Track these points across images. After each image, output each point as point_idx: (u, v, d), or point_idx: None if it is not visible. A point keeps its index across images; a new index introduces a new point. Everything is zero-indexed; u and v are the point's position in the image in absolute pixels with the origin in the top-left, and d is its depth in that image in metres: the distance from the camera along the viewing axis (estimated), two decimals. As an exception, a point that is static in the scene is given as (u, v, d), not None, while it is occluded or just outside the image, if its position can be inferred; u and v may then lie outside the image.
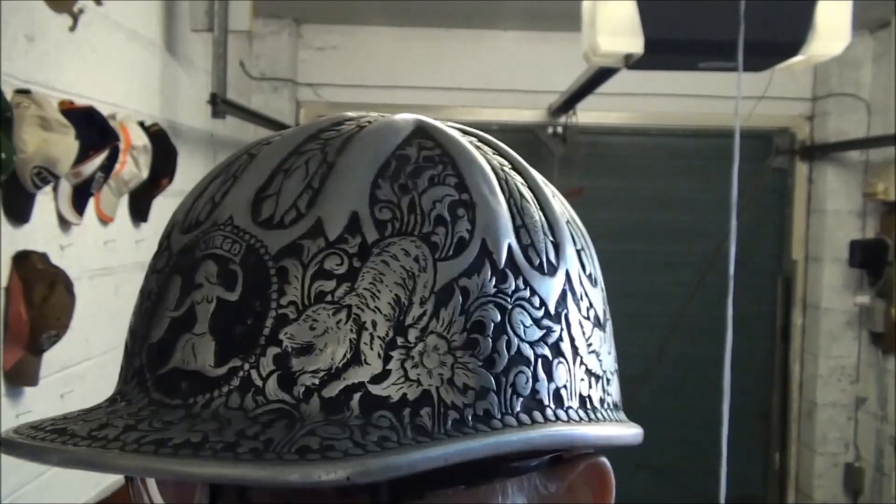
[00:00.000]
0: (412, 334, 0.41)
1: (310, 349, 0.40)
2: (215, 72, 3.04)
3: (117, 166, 2.38)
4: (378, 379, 0.40)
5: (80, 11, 2.22)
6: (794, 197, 4.48)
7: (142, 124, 2.64)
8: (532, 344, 0.44)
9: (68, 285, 2.05)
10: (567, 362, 0.46)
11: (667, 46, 2.38)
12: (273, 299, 0.41)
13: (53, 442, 0.40)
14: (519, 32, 4.32)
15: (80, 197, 2.23)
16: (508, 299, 0.44)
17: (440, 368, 0.41)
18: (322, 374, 0.40)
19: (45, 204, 2.12)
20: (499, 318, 0.43)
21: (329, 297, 0.41)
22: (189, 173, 3.14)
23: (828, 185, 4.32)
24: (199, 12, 3.03)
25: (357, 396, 0.40)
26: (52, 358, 2.09)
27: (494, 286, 0.43)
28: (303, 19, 4.28)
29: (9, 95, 1.89)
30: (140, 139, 2.55)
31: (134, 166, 2.51)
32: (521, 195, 0.47)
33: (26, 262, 1.98)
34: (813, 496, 4.37)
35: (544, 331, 0.45)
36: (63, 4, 2.14)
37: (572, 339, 0.46)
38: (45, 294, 1.97)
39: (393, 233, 0.43)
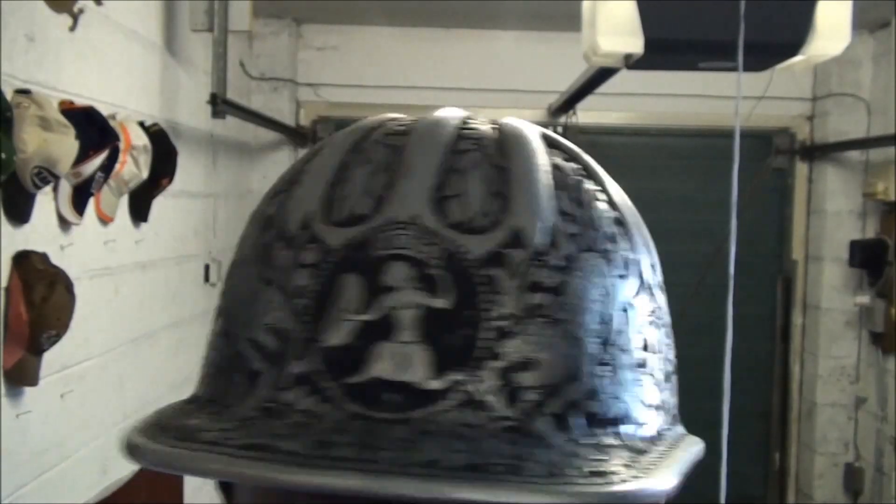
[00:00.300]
0: (611, 351, 0.42)
1: (530, 364, 0.40)
2: (215, 72, 3.04)
3: (117, 166, 2.38)
4: (592, 395, 0.41)
5: (80, 11, 2.21)
6: (794, 197, 4.48)
7: (142, 124, 2.63)
8: (668, 361, 0.46)
9: (68, 285, 2.05)
10: (674, 377, 0.48)
11: (667, 46, 2.38)
12: (485, 310, 0.40)
13: (289, 465, 0.36)
14: (519, 32, 4.32)
15: (80, 197, 2.23)
16: (658, 319, 0.46)
17: (633, 386, 0.42)
18: (544, 390, 0.39)
19: (45, 204, 2.11)
20: (657, 336, 0.45)
21: (542, 311, 0.40)
22: (189, 173, 3.14)
23: (828, 185, 4.31)
24: (199, 12, 3.03)
25: (578, 413, 0.40)
26: (52, 358, 2.09)
27: (649, 305, 0.45)
28: (303, 19, 4.28)
29: (9, 95, 1.89)
30: (140, 139, 2.55)
31: (134, 166, 2.51)
32: (636, 213, 0.49)
33: (26, 262, 1.98)
34: (813, 496, 4.36)
35: (670, 348, 0.47)
36: (63, 4, 2.14)
37: (674, 354, 0.49)
38: (45, 294, 1.97)
39: (583, 248, 0.43)
